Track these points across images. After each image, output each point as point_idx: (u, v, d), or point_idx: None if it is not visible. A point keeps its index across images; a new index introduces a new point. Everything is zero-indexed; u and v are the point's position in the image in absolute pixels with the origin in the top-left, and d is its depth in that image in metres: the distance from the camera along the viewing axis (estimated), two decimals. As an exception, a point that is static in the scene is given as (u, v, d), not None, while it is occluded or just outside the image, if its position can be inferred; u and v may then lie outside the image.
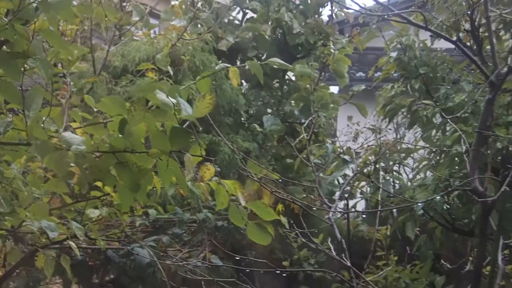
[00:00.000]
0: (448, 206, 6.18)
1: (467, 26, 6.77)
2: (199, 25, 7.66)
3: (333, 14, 8.10)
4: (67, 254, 4.33)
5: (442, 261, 6.52)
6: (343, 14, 8.05)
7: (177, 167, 2.95)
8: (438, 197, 5.85)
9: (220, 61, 7.62)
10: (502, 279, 4.74)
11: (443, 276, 6.56)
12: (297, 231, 5.13)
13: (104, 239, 4.87)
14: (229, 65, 3.50)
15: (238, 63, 8.14)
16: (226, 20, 8.16)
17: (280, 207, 6.10)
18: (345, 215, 6.71)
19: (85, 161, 2.93)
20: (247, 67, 3.28)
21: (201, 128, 6.69)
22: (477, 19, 6.70)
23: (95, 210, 4.37)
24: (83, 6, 3.73)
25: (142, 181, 2.96)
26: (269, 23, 7.93)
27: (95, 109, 3.30)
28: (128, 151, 2.90)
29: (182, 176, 2.97)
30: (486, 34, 6.20)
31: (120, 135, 2.88)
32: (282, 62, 3.37)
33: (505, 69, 4.67)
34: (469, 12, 6.45)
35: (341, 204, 6.91)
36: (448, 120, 5.75)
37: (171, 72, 4.70)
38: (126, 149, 2.90)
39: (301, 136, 6.72)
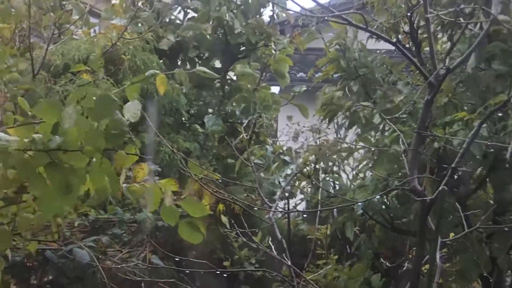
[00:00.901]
0: (387, 206, 6.27)
1: (406, 28, 6.85)
2: (140, 24, 7.62)
3: (274, 15, 8.13)
4: (3, 256, 4.26)
5: (381, 260, 6.60)
6: (284, 15, 8.08)
7: (111, 167, 2.93)
8: (377, 197, 5.92)
9: (162, 61, 7.59)
10: (440, 277, 4.82)
11: (379, 274, 6.63)
12: (238, 231, 5.14)
13: (41, 240, 4.81)
14: (158, 72, 3.48)
15: (179, 62, 8.11)
16: (167, 20, 8.12)
17: (221, 207, 6.12)
18: (286, 214, 6.76)
19: (12, 159, 2.87)
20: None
21: (142, 128, 6.69)
22: (416, 21, 6.79)
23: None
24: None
25: (74, 181, 2.91)
26: (210, 22, 7.92)
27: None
28: (61, 149, 2.86)
29: (116, 176, 2.95)
30: (425, 35, 6.30)
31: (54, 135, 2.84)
32: (209, 71, 3.38)
33: (444, 70, 4.75)
34: (408, 14, 6.54)
35: (282, 204, 6.95)
36: (387, 120, 5.82)
37: (103, 75, 4.66)
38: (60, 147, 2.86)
39: (242, 136, 6.73)
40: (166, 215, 3.25)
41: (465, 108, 6.25)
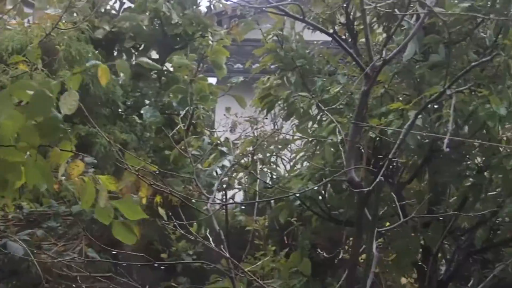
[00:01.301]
0: (324, 196, 6.30)
1: (343, 19, 6.89)
2: (75, 14, 7.50)
3: (212, 5, 8.10)
4: None
5: (318, 250, 6.64)
6: (221, 5, 8.06)
7: (46, 162, 2.88)
8: (315, 188, 5.95)
9: (97, 51, 7.49)
10: (376, 266, 4.87)
11: (309, 262, 6.65)
12: (175, 223, 5.11)
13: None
14: (100, 62, 3.43)
15: (115, 53, 8.03)
16: (102, 10, 8.03)
17: (158, 198, 6.08)
18: (224, 206, 6.75)
19: None
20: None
21: (77, 119, 6.60)
22: (352, 12, 6.83)
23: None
24: None
25: (10, 177, 2.86)
26: (147, 13, 7.84)
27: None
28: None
29: (50, 172, 2.91)
30: (361, 27, 6.34)
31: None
32: (151, 62, 3.35)
33: (380, 61, 4.78)
34: (344, 5, 6.58)
35: (220, 195, 6.94)
36: (324, 111, 5.84)
37: (40, 66, 4.58)
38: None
39: (179, 127, 6.69)
40: (100, 214, 3.21)
41: (401, 99, 6.32)
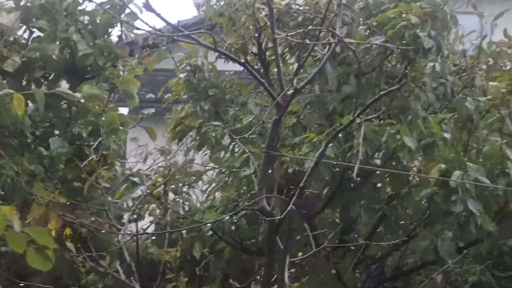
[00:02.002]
0: (236, 226, 6.28)
1: (255, 49, 6.93)
2: (-19, 43, 7.33)
3: (123, 35, 8.01)
4: None
5: (231, 280, 6.60)
6: (132, 35, 7.98)
7: None
8: (227, 218, 5.92)
9: (5, 81, 7.32)
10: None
11: None
12: (85, 255, 5.00)
13: None
14: (13, 92, 3.34)
15: (24, 83, 7.86)
16: (11, 39, 7.85)
17: (68, 231, 5.94)
18: (135, 238, 6.65)
19: None
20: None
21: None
22: (264, 43, 6.87)
23: None
24: None
25: None
26: (57, 42, 7.71)
27: None
28: None
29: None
30: (273, 57, 6.38)
31: None
32: (70, 92, 3.29)
33: (291, 91, 4.80)
34: (256, 36, 6.62)
35: (131, 227, 6.84)
36: (237, 140, 5.84)
37: None
38: None
39: (90, 159, 6.57)
40: (13, 241, 3.11)
41: (313, 129, 6.37)
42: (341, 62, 6.24)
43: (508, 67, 6.96)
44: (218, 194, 6.64)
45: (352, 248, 6.36)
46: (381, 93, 4.92)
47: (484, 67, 6.98)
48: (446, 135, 6.01)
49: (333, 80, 6.11)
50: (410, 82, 6.21)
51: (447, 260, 6.01)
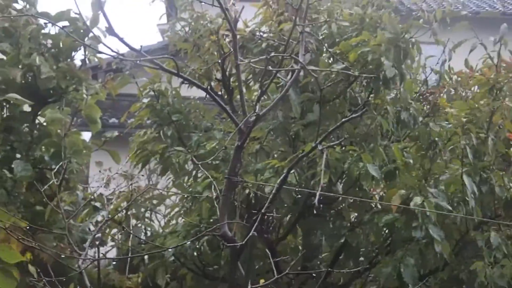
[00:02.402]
0: (198, 252, 6.26)
1: (219, 75, 6.95)
2: None
3: (86, 59, 7.98)
4: None
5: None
6: (96, 59, 7.95)
7: None
8: (188, 243, 5.90)
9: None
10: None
11: None
12: (45, 280, 4.94)
13: None
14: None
15: (-15, 106, 7.79)
16: (-28, 62, 7.78)
17: (28, 255, 5.87)
18: (96, 263, 6.59)
19: None
20: None
21: None
22: (228, 69, 6.90)
23: None
24: None
25: None
26: (20, 66, 7.66)
27: None
28: None
29: None
30: (237, 83, 6.41)
31: None
32: (20, 98, 3.25)
33: (253, 117, 4.82)
34: (220, 62, 6.64)
35: (92, 252, 6.78)
36: (200, 166, 5.83)
37: None
38: None
39: (51, 182, 6.51)
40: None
41: (276, 155, 6.38)
42: (304, 89, 6.28)
43: (469, 96, 7.06)
44: (180, 220, 6.62)
45: (314, 275, 6.36)
46: (343, 120, 4.95)
47: (444, 96, 7.07)
48: (408, 161, 6.05)
49: (296, 106, 6.15)
50: (373, 110, 6.27)
51: (410, 287, 6.04)
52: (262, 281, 5.71)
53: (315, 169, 5.94)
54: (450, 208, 5.86)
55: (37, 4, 7.31)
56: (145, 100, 6.83)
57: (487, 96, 6.57)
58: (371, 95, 6.27)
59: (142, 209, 6.78)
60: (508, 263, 5.95)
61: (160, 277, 6.16)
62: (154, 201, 6.88)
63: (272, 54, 5.75)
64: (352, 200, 6.28)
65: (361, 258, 6.53)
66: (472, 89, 7.07)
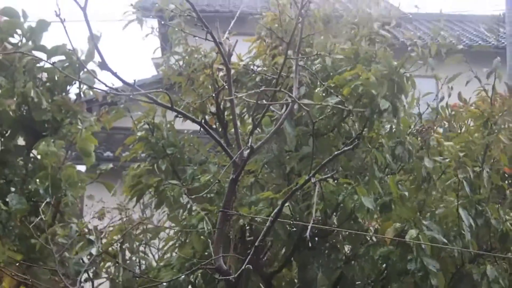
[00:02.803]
0: (193, 286, 6.23)
1: (213, 109, 6.97)
2: None
3: (81, 92, 7.99)
4: None
5: None
6: (91, 92, 7.97)
7: None
8: (183, 277, 5.88)
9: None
10: None
11: None
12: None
13: None
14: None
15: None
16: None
17: (22, 290, 5.84)
18: (90, 297, 6.56)
19: None
20: None
21: None
22: (222, 102, 6.92)
23: None
24: None
25: None
26: (14, 98, 7.67)
27: None
28: None
29: None
30: (231, 117, 6.42)
31: None
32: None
33: (248, 150, 4.83)
34: (214, 95, 6.67)
35: (86, 285, 6.75)
36: (190, 200, 5.85)
37: None
38: None
39: (46, 216, 6.50)
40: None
41: (271, 188, 6.39)
42: (298, 123, 6.30)
43: (463, 130, 7.09)
44: (174, 253, 6.60)
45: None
46: (336, 152, 4.96)
47: (440, 129, 7.11)
48: (404, 193, 6.06)
49: (291, 139, 6.16)
50: (368, 143, 6.28)
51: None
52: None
53: (310, 201, 5.94)
54: (445, 240, 5.85)
55: (41, 40, 7.34)
56: (140, 134, 6.84)
57: (481, 129, 6.60)
58: (365, 129, 6.29)
59: (136, 243, 6.76)
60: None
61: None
62: (148, 235, 6.85)
63: (264, 87, 5.78)
64: (347, 233, 6.28)
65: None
66: (466, 122, 7.10)
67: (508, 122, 6.71)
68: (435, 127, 6.89)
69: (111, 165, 7.35)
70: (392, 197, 6.04)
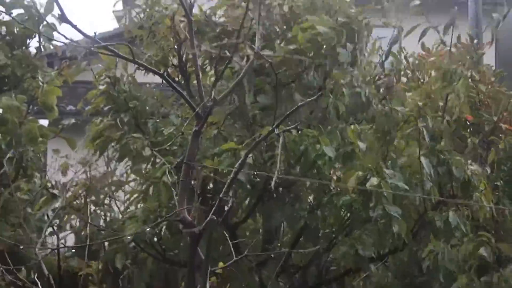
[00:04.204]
0: (158, 238, 6.27)
1: (175, 61, 6.93)
2: None
3: (42, 46, 7.91)
4: None
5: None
6: (51, 47, 7.88)
7: None
8: (148, 229, 5.91)
9: None
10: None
11: None
12: (2, 269, 4.94)
13: None
14: None
15: None
16: None
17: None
18: (55, 250, 6.58)
19: None
20: None
21: None
22: (184, 55, 6.88)
23: None
24: None
25: None
26: (-27, 54, 7.58)
27: None
28: None
29: None
30: (194, 69, 6.40)
31: None
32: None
33: (211, 102, 4.83)
34: (176, 48, 6.63)
35: (51, 239, 6.77)
36: (155, 152, 5.85)
37: None
38: None
39: (7, 171, 6.48)
40: None
41: (234, 139, 6.40)
42: (259, 73, 6.30)
43: (426, 80, 7.14)
44: (139, 206, 6.62)
45: (273, 255, 6.41)
46: (299, 104, 4.98)
47: (404, 79, 7.16)
48: (362, 145, 6.09)
49: (248, 93, 6.17)
50: (329, 93, 6.30)
51: (369, 267, 6.13)
52: (221, 264, 5.77)
53: (273, 152, 5.97)
54: (407, 187, 5.93)
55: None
56: (101, 87, 6.79)
57: (441, 80, 6.67)
58: (327, 80, 6.31)
59: (101, 196, 6.77)
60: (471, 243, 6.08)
61: (118, 261, 6.17)
62: (113, 187, 6.86)
63: (226, 39, 5.76)
64: (310, 183, 6.32)
65: (321, 241, 6.58)
66: (428, 72, 7.16)
67: (468, 72, 6.80)
68: (399, 77, 6.95)
69: (73, 120, 7.32)
70: (353, 147, 6.08)
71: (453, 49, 7.15)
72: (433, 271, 6.16)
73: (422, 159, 6.11)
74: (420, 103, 6.45)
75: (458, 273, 6.19)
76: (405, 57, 7.33)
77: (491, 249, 6.30)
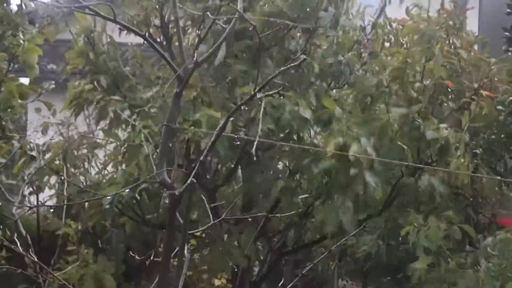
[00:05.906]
0: (137, 200, 6.27)
1: (158, 22, 6.87)
2: None
3: (23, 4, 7.81)
4: None
5: (131, 253, 6.62)
6: (32, 4, 7.79)
7: None
8: (127, 191, 5.90)
9: None
10: (188, 268, 4.88)
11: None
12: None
13: None
14: None
15: None
16: None
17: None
18: (35, 210, 6.58)
19: None
20: None
21: None
22: (167, 15, 6.81)
23: None
24: None
25: None
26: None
27: None
28: None
29: None
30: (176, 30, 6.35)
31: None
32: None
33: (192, 64, 4.79)
34: (158, 8, 6.57)
35: (31, 199, 6.77)
36: (134, 114, 5.82)
37: None
38: None
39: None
40: None
41: (215, 103, 6.38)
42: (242, 36, 6.26)
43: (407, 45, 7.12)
44: (119, 169, 6.61)
45: (250, 219, 6.43)
46: (282, 68, 4.95)
47: (387, 44, 7.14)
48: (338, 111, 6.06)
49: (220, 60, 6.13)
50: (312, 59, 6.27)
51: (348, 232, 6.14)
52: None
53: (253, 115, 5.95)
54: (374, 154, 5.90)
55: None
56: (80, 48, 6.70)
57: (420, 44, 6.65)
58: (309, 41, 6.28)
59: (79, 158, 6.74)
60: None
61: (99, 225, 6.18)
62: (91, 149, 6.83)
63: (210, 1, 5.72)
64: (290, 148, 6.31)
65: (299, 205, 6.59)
66: (409, 37, 7.13)
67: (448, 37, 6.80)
68: (383, 43, 6.93)
69: (53, 84, 7.23)
70: (332, 112, 6.05)
71: (436, 15, 7.13)
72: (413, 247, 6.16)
73: (395, 124, 6.10)
74: (400, 66, 6.42)
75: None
76: (389, 23, 7.30)
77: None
